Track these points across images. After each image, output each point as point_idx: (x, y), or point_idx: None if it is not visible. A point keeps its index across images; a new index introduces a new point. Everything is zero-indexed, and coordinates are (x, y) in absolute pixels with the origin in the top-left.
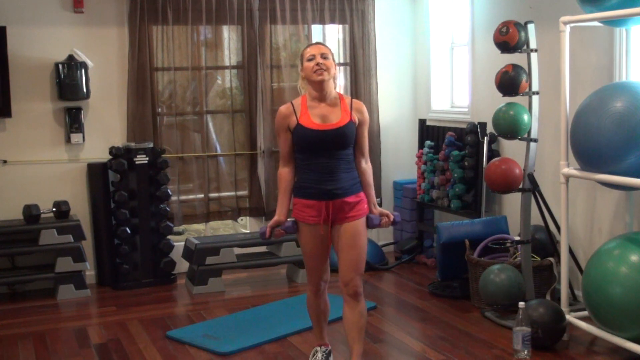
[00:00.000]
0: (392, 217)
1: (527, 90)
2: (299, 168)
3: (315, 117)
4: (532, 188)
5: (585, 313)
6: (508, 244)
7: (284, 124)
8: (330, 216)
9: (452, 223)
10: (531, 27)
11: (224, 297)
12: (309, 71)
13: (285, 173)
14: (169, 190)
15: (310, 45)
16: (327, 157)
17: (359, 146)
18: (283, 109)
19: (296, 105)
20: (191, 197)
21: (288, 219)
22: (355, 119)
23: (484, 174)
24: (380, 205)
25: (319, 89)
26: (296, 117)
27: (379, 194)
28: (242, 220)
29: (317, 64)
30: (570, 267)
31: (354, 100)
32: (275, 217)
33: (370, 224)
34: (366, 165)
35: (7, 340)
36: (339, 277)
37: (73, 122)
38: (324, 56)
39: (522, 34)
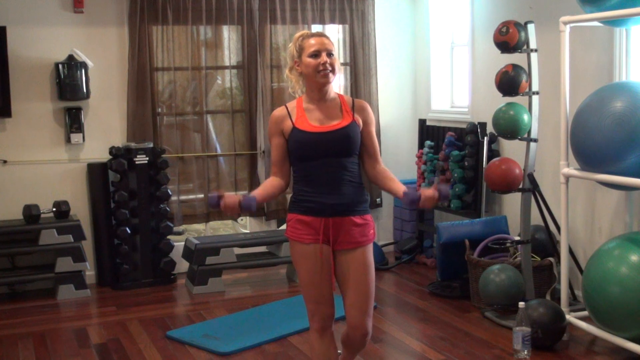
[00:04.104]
0: (436, 189)
1: (527, 90)
2: (296, 180)
3: (314, 119)
4: (532, 188)
5: (585, 313)
6: (508, 244)
7: (277, 129)
8: (331, 237)
9: (452, 223)
10: (531, 27)
11: (224, 297)
12: (312, 69)
13: (272, 179)
14: (169, 190)
15: (311, 35)
16: (328, 165)
17: (369, 150)
18: (276, 112)
19: (291, 108)
20: (191, 197)
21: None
22: (359, 120)
23: (484, 174)
24: (379, 206)
25: (320, 91)
26: (291, 120)
27: (378, 194)
28: (242, 220)
29: (323, 64)
30: (570, 267)
31: (355, 99)
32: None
33: (407, 200)
34: (381, 167)
35: (7, 340)
36: (346, 319)
37: (73, 122)
38: (329, 54)
39: (522, 34)
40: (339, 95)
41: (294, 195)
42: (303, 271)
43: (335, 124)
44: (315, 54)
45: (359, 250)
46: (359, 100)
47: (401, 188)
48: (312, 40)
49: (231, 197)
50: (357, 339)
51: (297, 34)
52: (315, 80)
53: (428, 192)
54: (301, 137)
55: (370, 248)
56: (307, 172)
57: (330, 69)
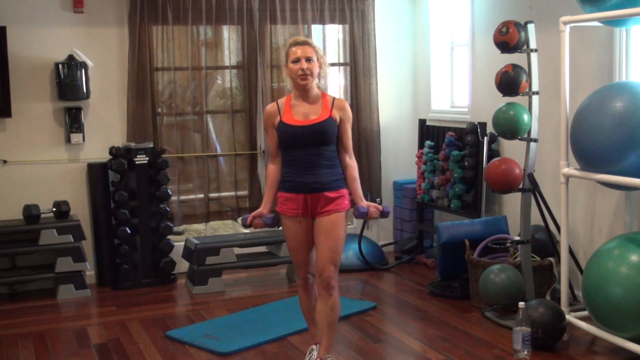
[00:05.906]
0: (381, 208)
1: (527, 90)
2: (283, 163)
3: (298, 114)
4: (532, 188)
5: (585, 313)
6: (508, 244)
7: (269, 122)
8: (309, 209)
9: (452, 223)
10: (531, 27)
11: (224, 297)
12: (294, 74)
13: (272, 170)
14: (169, 190)
15: (296, 43)
16: (308, 152)
17: (342, 143)
18: (269, 107)
19: (281, 105)
20: (191, 197)
21: (270, 214)
22: (336, 116)
23: (484, 174)
24: (380, 204)
25: (302, 90)
26: (280, 115)
27: (378, 193)
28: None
29: (302, 69)
30: (570, 267)
31: (336, 98)
32: (259, 209)
33: (357, 214)
34: (350, 161)
35: (7, 340)
36: (315, 268)
37: (73, 122)
38: (308, 59)
39: (522, 34)
40: (322, 94)
41: (282, 177)
42: (288, 238)
43: (315, 118)
44: (295, 61)
45: (332, 215)
46: (339, 100)
47: (357, 194)
48: (295, 49)
49: (258, 219)
50: (324, 290)
51: (289, 42)
52: (297, 82)
53: (374, 211)
54: (286, 129)
55: (342, 214)
56: (291, 157)
57: (308, 73)
